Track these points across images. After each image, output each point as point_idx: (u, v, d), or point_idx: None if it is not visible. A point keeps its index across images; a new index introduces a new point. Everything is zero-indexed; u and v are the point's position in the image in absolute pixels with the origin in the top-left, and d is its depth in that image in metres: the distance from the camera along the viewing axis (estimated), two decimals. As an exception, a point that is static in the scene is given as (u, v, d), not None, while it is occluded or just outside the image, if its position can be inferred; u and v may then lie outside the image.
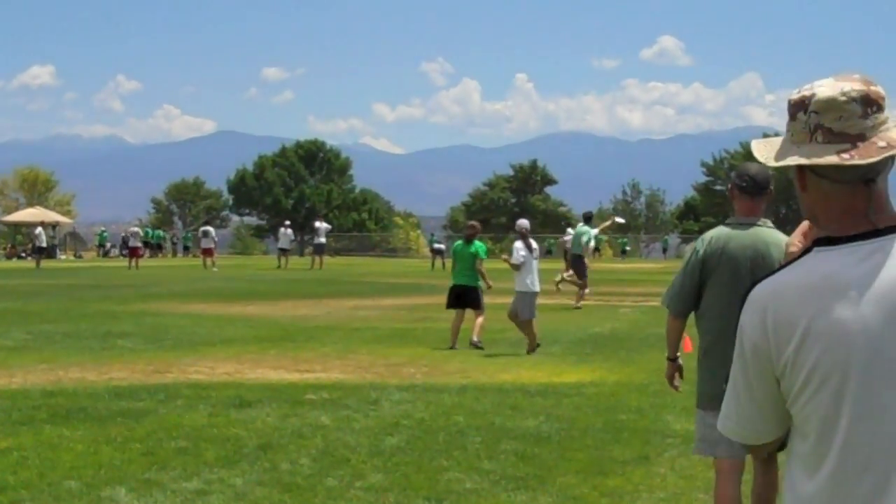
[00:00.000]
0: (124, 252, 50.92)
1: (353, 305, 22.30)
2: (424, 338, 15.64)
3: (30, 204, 70.56)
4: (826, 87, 2.05)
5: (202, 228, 47.15)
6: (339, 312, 20.46)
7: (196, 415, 9.07)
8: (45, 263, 43.35)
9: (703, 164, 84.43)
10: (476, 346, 14.24)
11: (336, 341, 15.15)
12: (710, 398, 5.00)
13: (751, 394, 2.09)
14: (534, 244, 14.63)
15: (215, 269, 39.53)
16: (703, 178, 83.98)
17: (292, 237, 47.44)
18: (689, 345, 5.98)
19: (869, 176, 2.03)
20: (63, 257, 56.82)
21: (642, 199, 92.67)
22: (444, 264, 41.88)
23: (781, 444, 2.19)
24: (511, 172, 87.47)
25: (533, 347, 13.91)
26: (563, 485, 6.81)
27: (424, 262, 50.96)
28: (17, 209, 68.47)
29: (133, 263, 41.27)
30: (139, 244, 45.53)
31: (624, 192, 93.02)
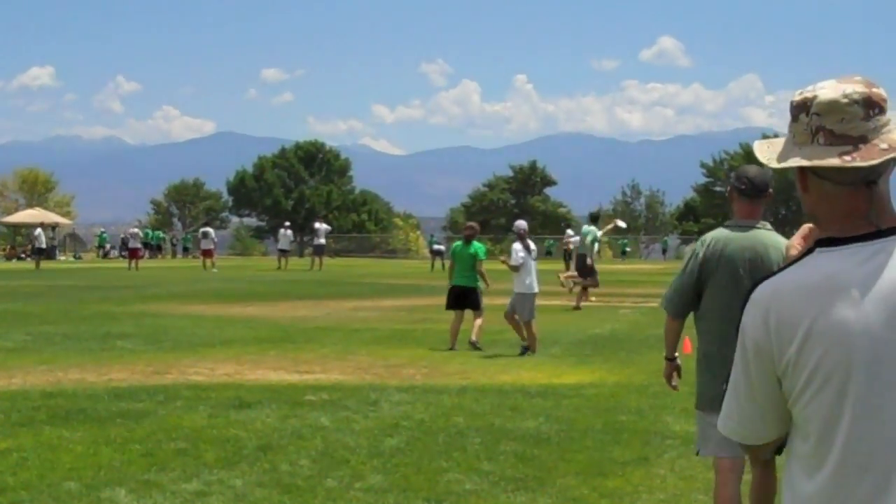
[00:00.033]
0: (124, 253, 50.96)
1: (353, 306, 22.30)
2: (424, 339, 15.64)
3: (29, 205, 70.54)
4: (828, 89, 2.06)
5: (202, 229, 47.16)
6: (339, 313, 20.46)
7: (196, 416, 9.07)
8: (44, 264, 43.35)
9: (703, 165, 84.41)
10: (474, 346, 14.24)
11: (336, 342, 15.15)
12: (710, 399, 5.03)
13: (752, 394, 2.10)
14: (532, 245, 14.62)
15: (215, 271, 39.54)
16: (703, 180, 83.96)
17: (292, 238, 47.46)
18: (689, 346, 6.00)
19: (870, 178, 2.03)
20: (62, 258, 56.82)
21: (642, 200, 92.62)
22: (443, 265, 41.88)
23: (779, 449, 2.20)
24: (511, 173, 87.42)
25: (533, 348, 13.90)
26: (563, 486, 6.81)
27: (424, 264, 50.96)
28: (16, 210, 68.44)
29: (132, 264, 41.28)
30: (139, 245, 45.55)
31: (623, 193, 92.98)
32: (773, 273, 2.11)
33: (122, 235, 55.50)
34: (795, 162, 2.07)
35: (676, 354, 5.57)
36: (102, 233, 64.84)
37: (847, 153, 2.02)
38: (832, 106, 2.04)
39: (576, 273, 23.34)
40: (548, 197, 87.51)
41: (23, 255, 53.04)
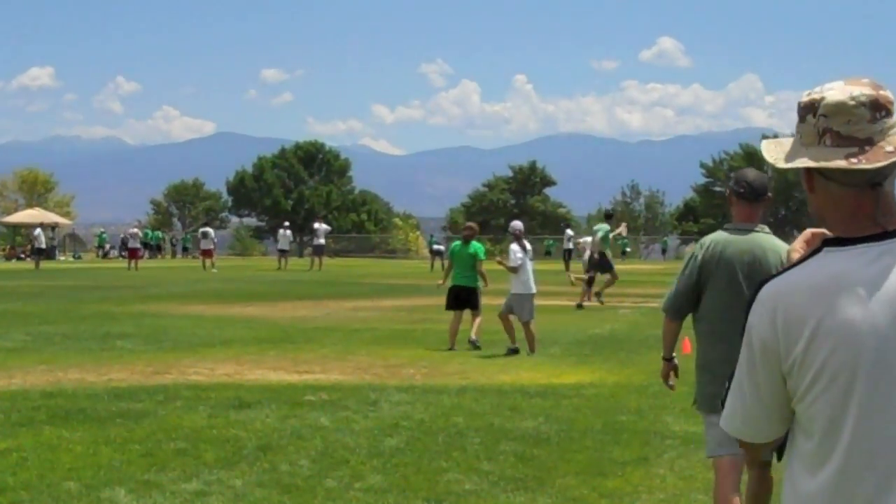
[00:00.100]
0: (123, 253, 50.96)
1: (353, 307, 22.30)
2: (424, 339, 15.64)
3: (29, 205, 70.49)
4: (835, 91, 2.07)
5: (201, 230, 47.16)
6: (339, 313, 20.46)
7: (195, 416, 9.07)
8: (44, 264, 43.35)
9: (703, 166, 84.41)
10: (474, 344, 14.25)
11: (335, 342, 15.15)
12: (710, 400, 5.07)
13: (757, 392, 2.11)
14: (527, 245, 14.62)
15: (215, 271, 39.54)
16: (703, 180, 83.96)
17: (291, 238, 47.46)
18: (689, 346, 6.00)
19: (876, 180, 2.05)
20: (62, 258, 56.82)
21: (642, 201, 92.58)
22: (443, 265, 41.86)
23: (780, 454, 2.20)
24: (510, 174, 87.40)
25: (533, 348, 13.89)
26: (563, 486, 6.81)
27: (424, 264, 50.94)
28: (16, 210, 68.40)
29: (132, 264, 41.29)
30: (138, 245, 45.56)
31: (623, 194, 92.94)
32: (780, 272, 2.11)
33: (121, 235, 55.48)
34: (802, 163, 2.09)
35: (674, 355, 5.61)
36: (102, 233, 64.87)
37: (853, 155, 2.03)
38: (839, 108, 2.05)
39: (584, 275, 23.50)
40: (547, 197, 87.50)
41: (22, 255, 53.05)
